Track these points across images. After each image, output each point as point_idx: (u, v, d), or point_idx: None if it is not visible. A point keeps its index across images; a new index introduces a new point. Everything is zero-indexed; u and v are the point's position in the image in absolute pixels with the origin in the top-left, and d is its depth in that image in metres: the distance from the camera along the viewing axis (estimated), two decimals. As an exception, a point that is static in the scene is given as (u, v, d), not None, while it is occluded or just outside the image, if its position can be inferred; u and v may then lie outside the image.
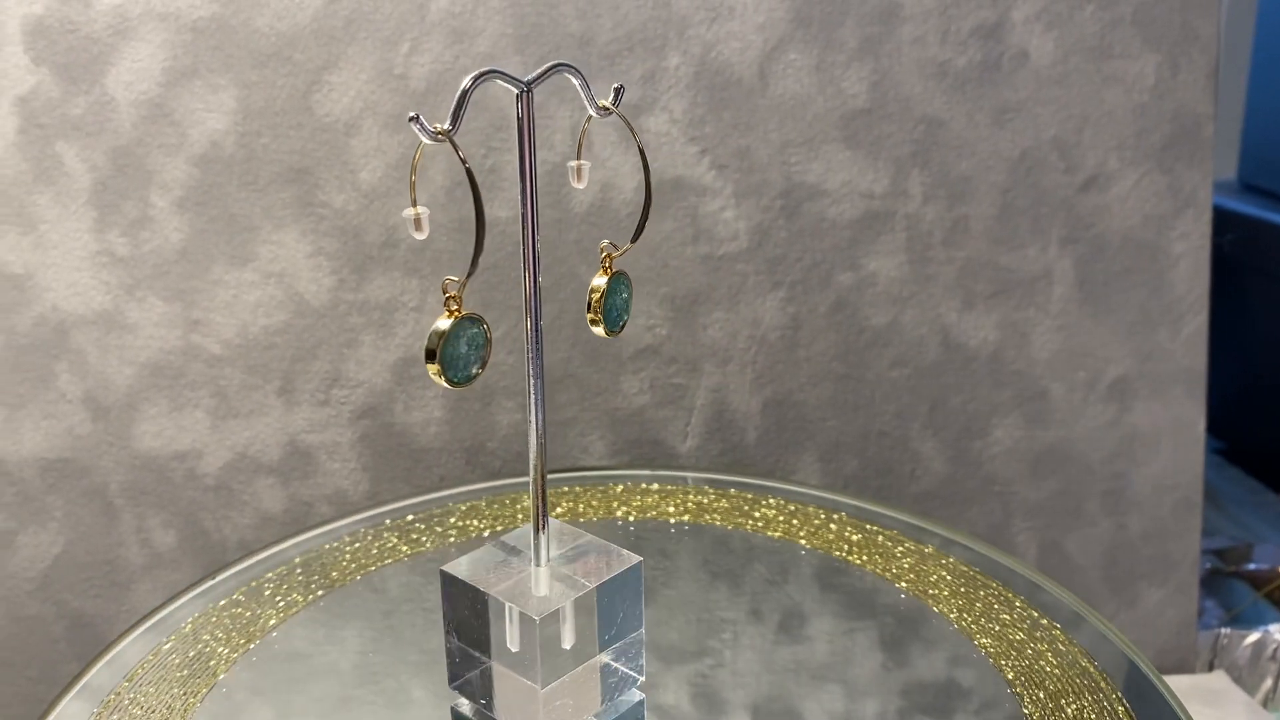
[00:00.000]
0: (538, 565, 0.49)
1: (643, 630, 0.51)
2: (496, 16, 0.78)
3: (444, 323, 0.43)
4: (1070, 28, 0.82)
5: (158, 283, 0.79)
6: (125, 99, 0.76)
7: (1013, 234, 0.85)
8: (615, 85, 0.47)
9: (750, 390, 0.86)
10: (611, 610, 0.49)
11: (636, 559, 0.50)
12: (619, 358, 0.84)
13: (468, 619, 0.49)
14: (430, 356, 0.43)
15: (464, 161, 0.41)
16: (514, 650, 0.48)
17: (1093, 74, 0.84)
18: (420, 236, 0.42)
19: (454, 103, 0.42)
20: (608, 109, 0.46)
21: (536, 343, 0.47)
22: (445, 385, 0.43)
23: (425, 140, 0.41)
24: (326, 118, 0.78)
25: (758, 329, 0.85)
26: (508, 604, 0.47)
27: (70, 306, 0.79)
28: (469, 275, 0.42)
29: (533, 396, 0.48)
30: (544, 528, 0.49)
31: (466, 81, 0.42)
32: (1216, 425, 1.33)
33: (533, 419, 0.48)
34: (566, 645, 0.48)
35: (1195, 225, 0.87)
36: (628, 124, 0.48)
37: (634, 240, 0.48)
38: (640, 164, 0.46)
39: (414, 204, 0.42)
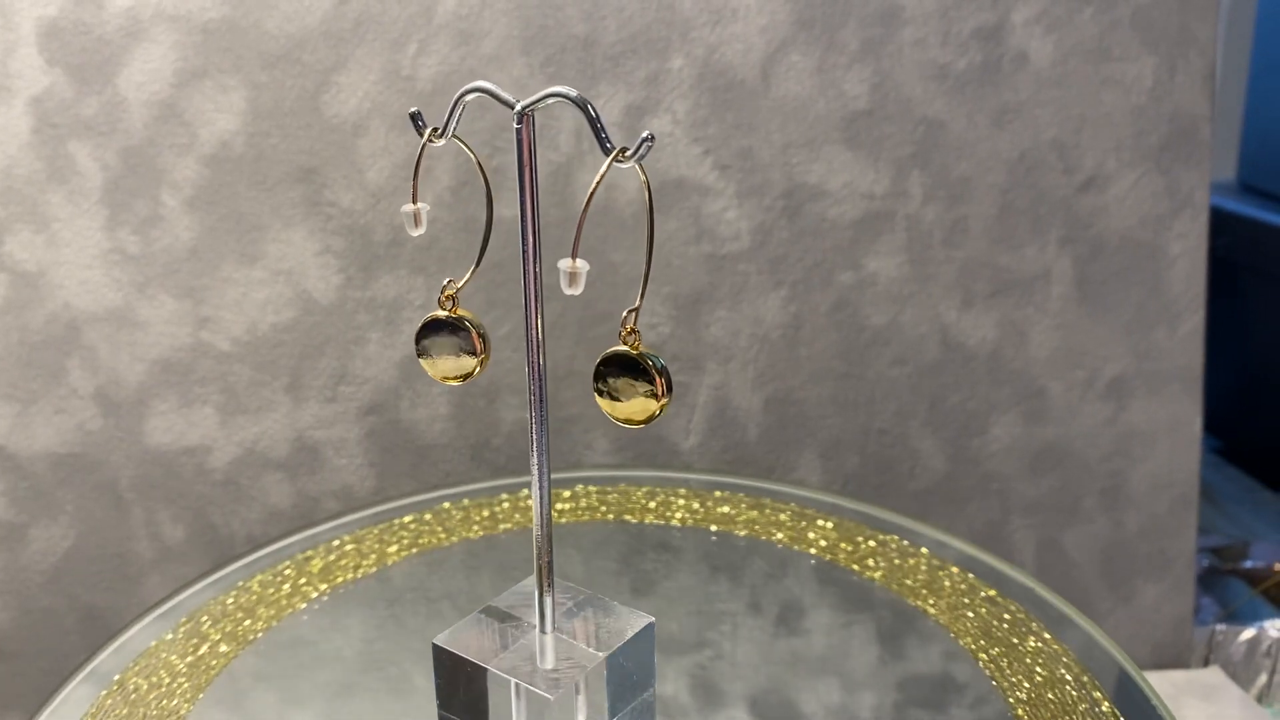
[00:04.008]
0: (543, 633, 0.45)
1: (654, 689, 0.48)
2: (503, 19, 0.79)
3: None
4: (1069, 30, 0.83)
5: (168, 280, 0.81)
6: (137, 99, 0.78)
7: (1012, 234, 0.86)
8: (645, 134, 0.38)
9: (752, 388, 0.87)
10: (624, 676, 0.46)
11: (648, 619, 0.46)
12: (622, 355, 0.85)
13: (463, 695, 0.46)
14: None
15: (479, 164, 0.41)
16: None
17: (1091, 76, 0.84)
18: (417, 233, 0.42)
19: (448, 112, 0.42)
20: (623, 157, 0.38)
21: (541, 403, 0.43)
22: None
23: (420, 137, 0.40)
24: (335, 118, 0.79)
25: (759, 328, 0.86)
26: (514, 681, 0.44)
27: (82, 304, 0.80)
28: (470, 274, 0.42)
29: (536, 445, 0.43)
30: (549, 588, 0.44)
31: (462, 92, 0.41)
32: (1215, 424, 1.33)
33: (536, 477, 0.44)
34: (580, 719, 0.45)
35: (1192, 226, 0.88)
36: (647, 187, 0.39)
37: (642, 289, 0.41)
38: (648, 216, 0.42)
39: (414, 200, 0.41)
